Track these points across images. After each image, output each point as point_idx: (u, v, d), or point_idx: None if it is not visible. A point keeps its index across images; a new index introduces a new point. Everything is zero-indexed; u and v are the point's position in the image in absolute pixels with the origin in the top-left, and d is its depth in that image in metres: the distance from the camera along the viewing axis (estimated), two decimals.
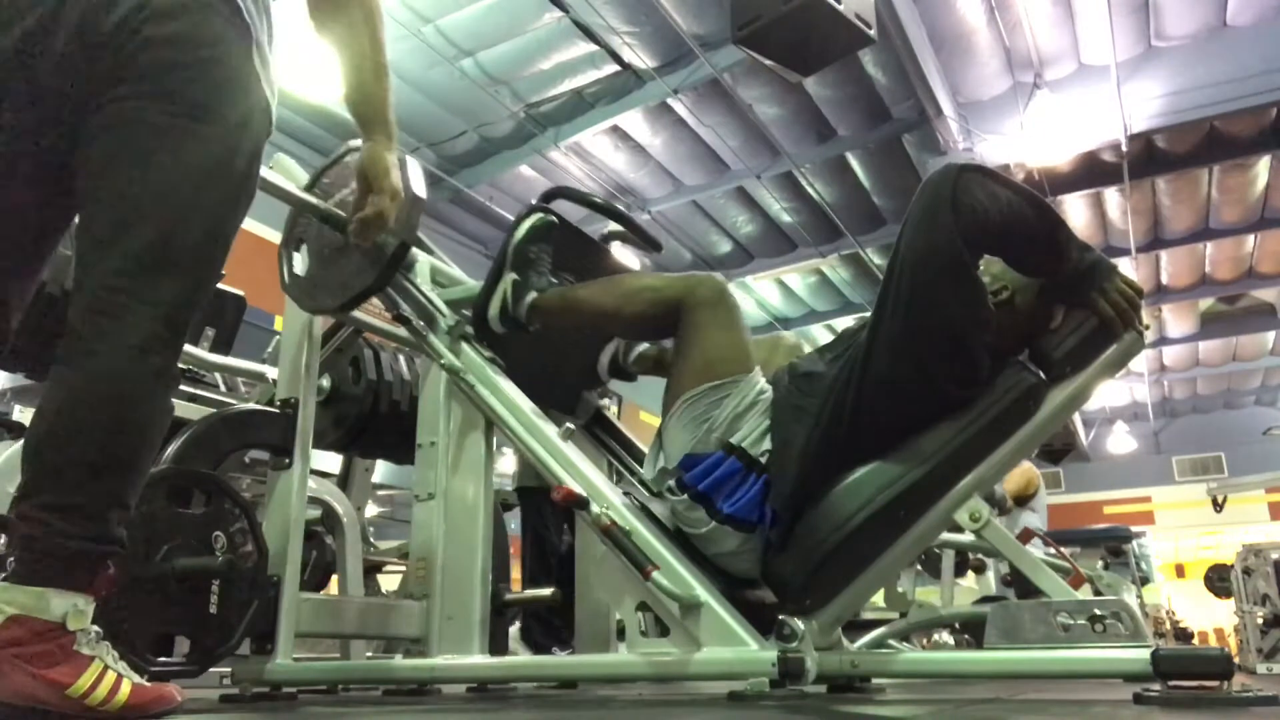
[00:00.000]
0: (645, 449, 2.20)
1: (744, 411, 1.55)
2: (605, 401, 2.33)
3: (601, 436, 2.29)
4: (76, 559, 1.12)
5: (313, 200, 1.82)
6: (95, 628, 1.16)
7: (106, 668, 1.14)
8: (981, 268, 1.49)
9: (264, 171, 1.73)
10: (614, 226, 2.15)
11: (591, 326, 1.89)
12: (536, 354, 1.95)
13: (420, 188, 1.77)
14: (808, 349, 1.83)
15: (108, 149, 1.21)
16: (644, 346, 2.07)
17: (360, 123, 1.56)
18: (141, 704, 1.16)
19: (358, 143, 1.89)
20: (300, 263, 1.90)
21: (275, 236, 1.98)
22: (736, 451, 1.52)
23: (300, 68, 6.61)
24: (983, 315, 1.44)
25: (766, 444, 1.53)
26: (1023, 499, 5.39)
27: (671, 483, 1.58)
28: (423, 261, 1.95)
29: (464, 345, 1.81)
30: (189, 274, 1.23)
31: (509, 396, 1.77)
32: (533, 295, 1.77)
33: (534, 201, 1.95)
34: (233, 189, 1.28)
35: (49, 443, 1.15)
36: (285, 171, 1.97)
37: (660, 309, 1.65)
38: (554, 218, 1.87)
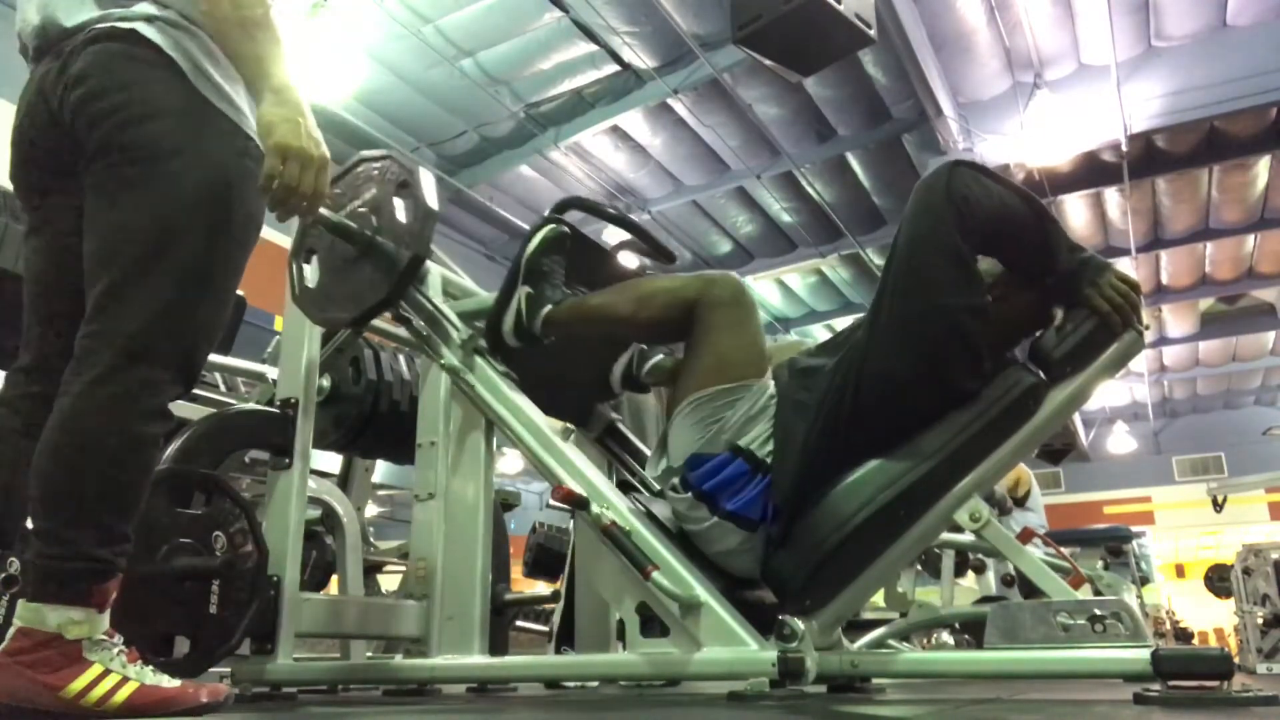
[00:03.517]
0: None
1: (756, 415, 1.54)
2: (616, 416, 2.31)
3: (614, 449, 2.28)
4: (65, 576, 1.23)
5: (323, 211, 1.81)
6: (107, 635, 1.26)
7: (108, 671, 1.22)
8: None
9: None
10: (626, 237, 2.14)
11: (607, 334, 1.87)
12: (549, 366, 1.94)
13: (434, 200, 1.76)
14: None
15: (86, 213, 1.35)
16: (658, 357, 2.05)
17: (246, 84, 1.45)
18: (143, 704, 1.23)
19: (370, 153, 1.89)
20: (311, 275, 1.87)
21: (274, 236, 1.97)
22: (744, 454, 1.52)
23: (301, 69, 6.61)
24: (980, 304, 1.45)
25: (771, 446, 1.53)
26: (1017, 499, 5.42)
27: (676, 481, 1.57)
28: (435, 273, 1.94)
29: (477, 359, 1.79)
30: (147, 304, 1.29)
31: (509, 396, 1.77)
32: (547, 308, 1.75)
33: (546, 213, 1.94)
34: (196, 215, 1.33)
35: (34, 475, 1.27)
36: None
37: (676, 311, 1.63)
38: (566, 229, 1.85)
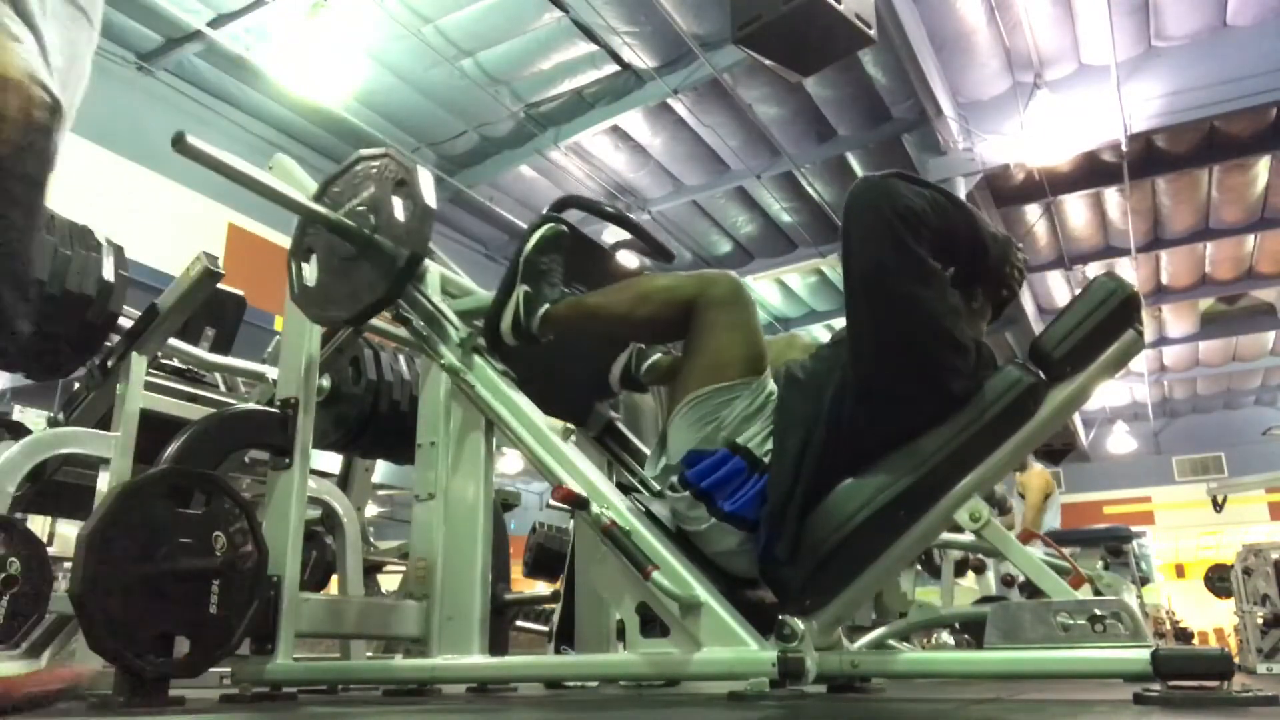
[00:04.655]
0: None
1: (754, 414, 1.54)
2: (615, 415, 2.31)
3: (613, 448, 2.28)
4: None
5: (322, 210, 1.79)
6: None
7: None
8: None
9: (271, 180, 1.73)
10: (625, 235, 2.14)
11: (605, 332, 1.87)
12: (548, 366, 1.94)
13: (432, 199, 1.75)
14: None
15: None
16: (656, 356, 2.05)
17: None
18: None
19: (369, 151, 1.89)
20: (310, 273, 1.87)
21: (273, 236, 1.97)
22: (741, 451, 1.52)
23: (301, 69, 6.62)
24: (956, 304, 1.48)
25: (769, 445, 1.53)
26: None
27: (674, 479, 1.57)
28: (433, 272, 1.94)
29: (476, 358, 1.79)
30: None
31: (509, 396, 1.77)
32: (545, 307, 1.75)
33: (545, 211, 1.93)
34: None
35: None
36: (293, 180, 1.96)
37: (674, 309, 1.63)
38: (564, 227, 1.85)
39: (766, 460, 1.51)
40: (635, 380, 2.07)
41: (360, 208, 1.79)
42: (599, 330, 1.82)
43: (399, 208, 1.76)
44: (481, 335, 1.83)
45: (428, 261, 1.88)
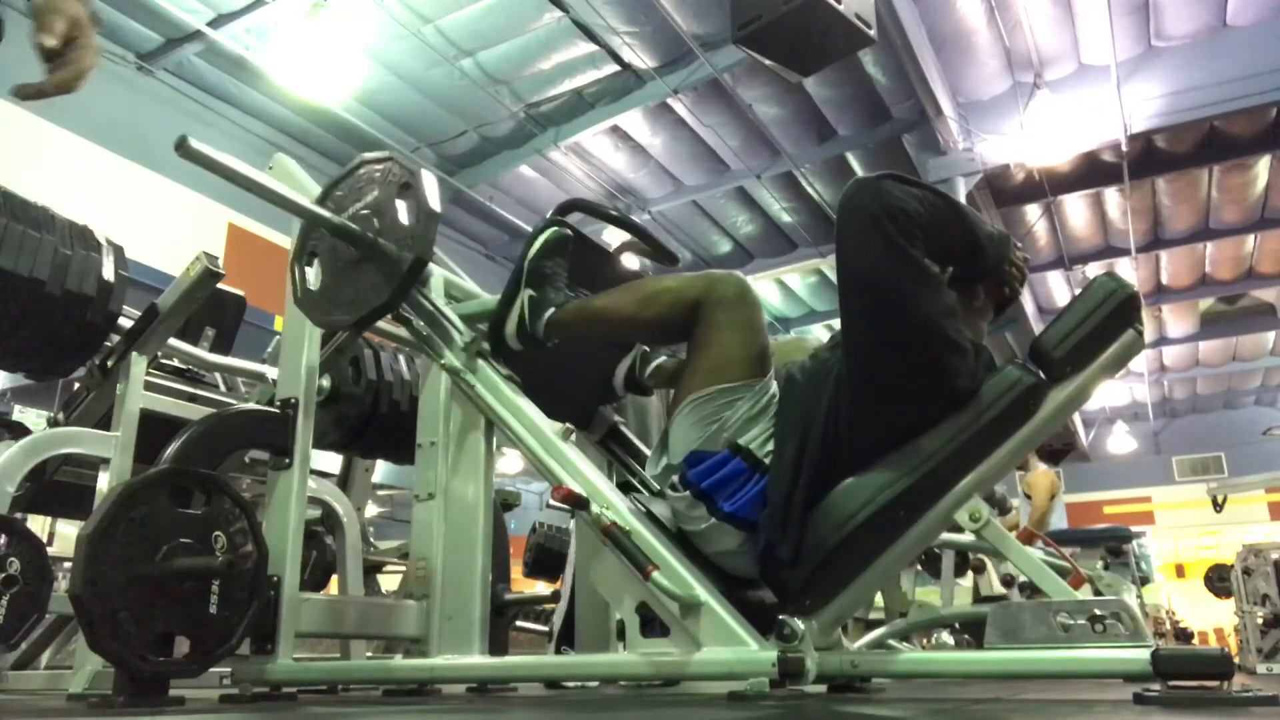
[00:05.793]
0: None
1: (757, 415, 1.54)
2: (619, 419, 2.30)
3: (616, 451, 2.27)
4: None
5: (325, 214, 1.78)
6: None
7: None
8: None
9: (275, 184, 1.72)
10: (628, 238, 2.14)
11: (611, 335, 1.86)
12: (552, 369, 1.93)
13: (436, 202, 1.74)
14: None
15: None
16: (661, 359, 2.04)
17: None
18: None
19: (372, 155, 1.88)
20: (313, 277, 1.86)
21: (274, 236, 1.98)
22: (743, 453, 1.52)
23: (301, 69, 6.62)
24: (952, 304, 1.47)
25: (770, 446, 1.53)
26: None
27: (675, 479, 1.57)
28: (437, 276, 1.93)
29: (480, 362, 1.78)
30: None
31: (508, 396, 1.76)
32: (551, 311, 1.74)
33: (549, 215, 1.93)
34: None
35: None
36: (293, 180, 1.96)
37: (680, 310, 1.62)
38: (569, 231, 1.84)
39: (768, 462, 1.51)
40: (640, 383, 2.06)
41: (364, 211, 1.78)
42: (605, 333, 1.82)
43: (403, 211, 1.74)
44: (485, 339, 1.82)
45: (431, 265, 1.87)
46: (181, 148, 1.48)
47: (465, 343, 1.79)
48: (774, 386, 1.58)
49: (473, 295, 2.08)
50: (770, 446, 1.52)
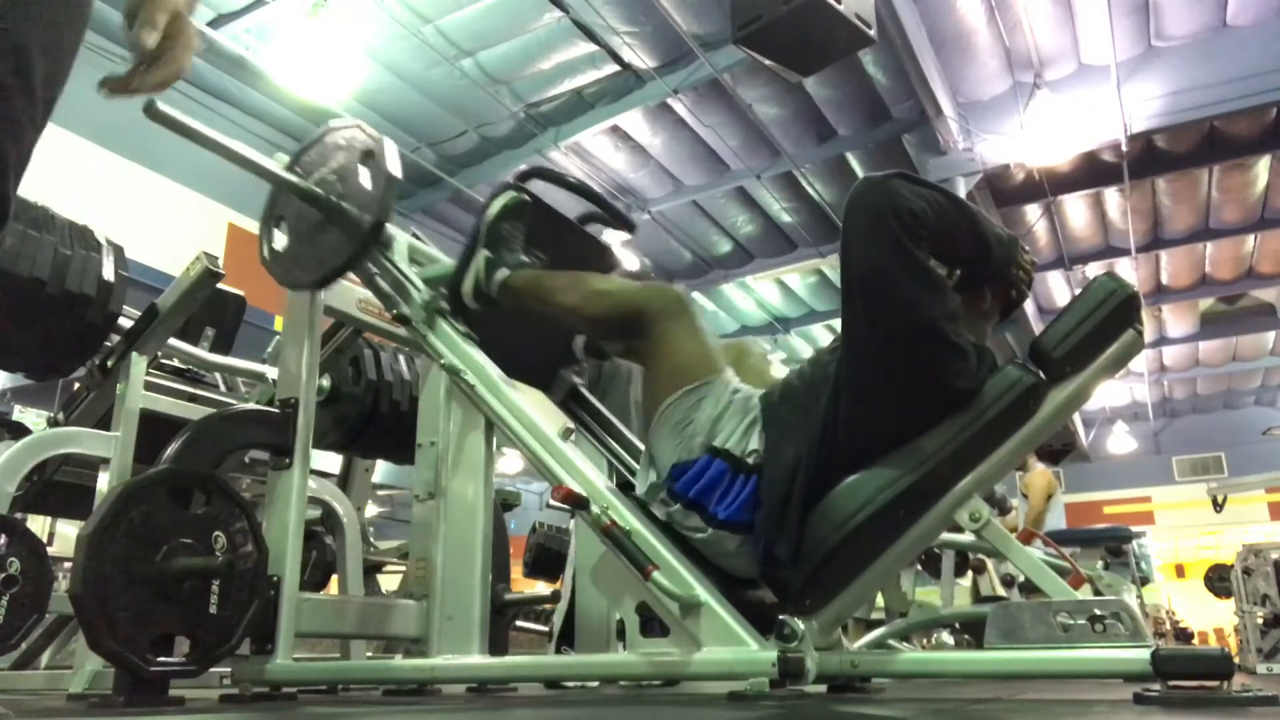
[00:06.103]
0: (622, 427, 2.22)
1: (722, 412, 1.55)
2: (578, 380, 2.33)
3: (577, 412, 2.29)
4: None
5: (292, 178, 1.88)
6: None
7: None
8: None
9: (242, 148, 1.79)
10: (590, 207, 2.17)
11: (553, 318, 1.91)
12: (512, 330, 1.97)
13: (396, 169, 1.84)
14: (773, 358, 1.85)
15: None
16: (504, 272, 2.09)
17: None
18: None
19: (338, 122, 1.97)
20: (280, 239, 1.96)
21: None
22: (721, 454, 1.53)
23: (301, 69, 6.62)
24: (954, 307, 1.47)
25: (750, 443, 1.53)
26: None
27: (664, 494, 1.58)
28: (400, 240, 1.98)
29: (439, 320, 1.84)
30: None
31: (509, 397, 1.77)
32: (504, 273, 1.81)
33: (508, 179, 1.98)
34: None
35: None
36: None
37: (618, 315, 1.70)
38: (526, 197, 1.90)
39: (750, 460, 1.51)
40: (599, 349, 2.14)
41: (329, 176, 1.87)
42: (549, 314, 1.85)
43: (365, 177, 1.84)
44: (445, 299, 1.87)
45: (395, 230, 1.95)
46: (149, 110, 1.54)
47: (424, 301, 1.84)
48: (735, 382, 1.61)
49: (437, 260, 2.13)
50: (748, 443, 1.52)
